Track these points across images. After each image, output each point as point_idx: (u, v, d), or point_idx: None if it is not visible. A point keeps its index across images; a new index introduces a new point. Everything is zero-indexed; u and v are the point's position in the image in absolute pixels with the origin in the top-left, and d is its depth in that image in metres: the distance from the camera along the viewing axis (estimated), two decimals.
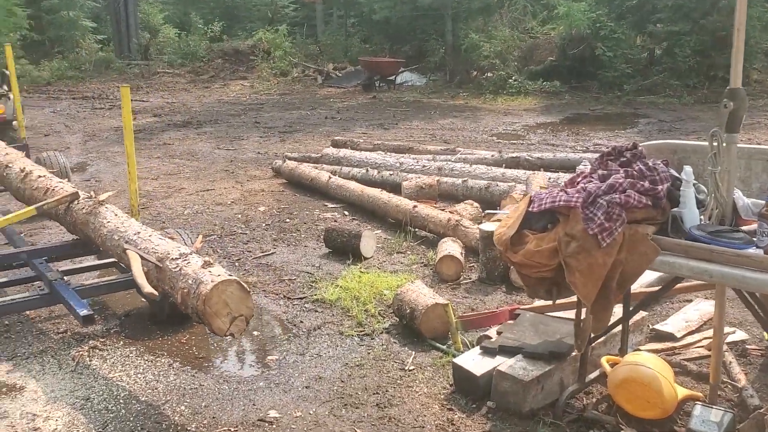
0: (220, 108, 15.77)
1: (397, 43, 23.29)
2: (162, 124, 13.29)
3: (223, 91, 19.48)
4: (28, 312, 4.46)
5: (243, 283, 3.22)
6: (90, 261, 5.04)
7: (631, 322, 3.61)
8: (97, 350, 4.07)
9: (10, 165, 5.17)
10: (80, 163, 9.66)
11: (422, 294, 4.21)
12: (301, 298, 4.80)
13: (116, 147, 10.78)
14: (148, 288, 3.27)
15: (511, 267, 4.26)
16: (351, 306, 4.57)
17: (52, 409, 3.42)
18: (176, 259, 3.45)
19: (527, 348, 3.44)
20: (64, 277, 4.19)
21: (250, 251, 5.81)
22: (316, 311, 4.58)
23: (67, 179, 6.82)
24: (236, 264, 5.50)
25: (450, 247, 5.20)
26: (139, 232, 3.82)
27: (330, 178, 7.42)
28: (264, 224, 6.58)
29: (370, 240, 5.63)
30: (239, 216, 6.86)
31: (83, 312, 3.67)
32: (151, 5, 29.35)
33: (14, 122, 8.93)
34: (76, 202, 4.27)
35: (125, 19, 26.00)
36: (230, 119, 13.90)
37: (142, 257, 3.47)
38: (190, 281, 3.25)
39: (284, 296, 4.85)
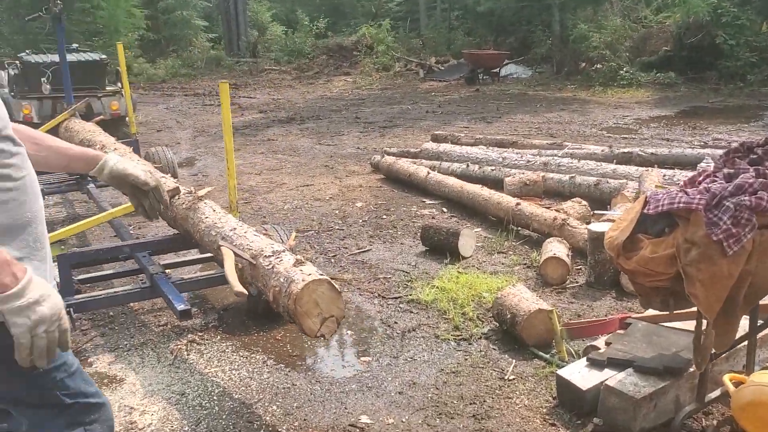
0: (323, 104, 15.95)
1: (501, 35, 22.83)
2: (267, 120, 13.56)
3: (327, 87, 19.73)
4: (132, 304, 4.57)
5: (334, 283, 3.12)
6: (193, 255, 5.11)
7: (758, 336, 3.25)
8: (195, 344, 4.11)
9: None
10: (189, 158, 9.98)
11: (524, 298, 3.98)
12: (396, 298, 4.67)
13: (223, 143, 11.06)
14: (238, 287, 3.22)
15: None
16: (448, 308, 4.40)
17: (149, 403, 3.45)
18: (269, 256, 3.40)
19: (639, 361, 3.16)
20: (165, 271, 4.25)
21: (346, 248, 5.75)
22: (411, 312, 4.44)
23: (171, 174, 7.02)
24: (332, 260, 5.45)
25: (555, 248, 4.92)
26: (235, 228, 3.80)
27: (428, 173, 7.26)
28: (361, 220, 6.51)
29: (469, 239, 5.43)
30: (337, 211, 6.82)
31: (180, 307, 3.69)
32: (259, 3, 30.18)
33: (127, 118, 9.32)
34: (176, 197, 4.32)
35: (235, 18, 26.86)
36: (332, 115, 14.02)
37: (236, 254, 3.44)
38: (281, 279, 3.18)
39: (379, 295, 4.74)
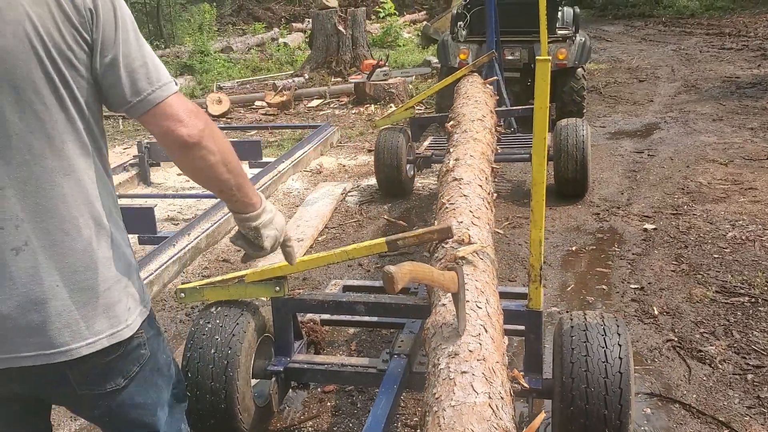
0: None
1: None
2: None
3: None
4: None
5: None
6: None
7: None
8: None
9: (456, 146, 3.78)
10: (649, 126, 7.77)
11: None
12: None
13: (707, 106, 8.43)
14: None
15: None
16: None
17: None
18: None
19: None
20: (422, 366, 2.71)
21: None
22: None
23: (578, 159, 5.18)
24: (742, 395, 3.01)
25: None
26: (456, 356, 1.98)
27: None
28: None
29: None
30: None
31: None
32: None
33: (579, 70, 7.62)
34: (446, 242, 2.65)
35: None
36: None
37: None
38: None
39: None
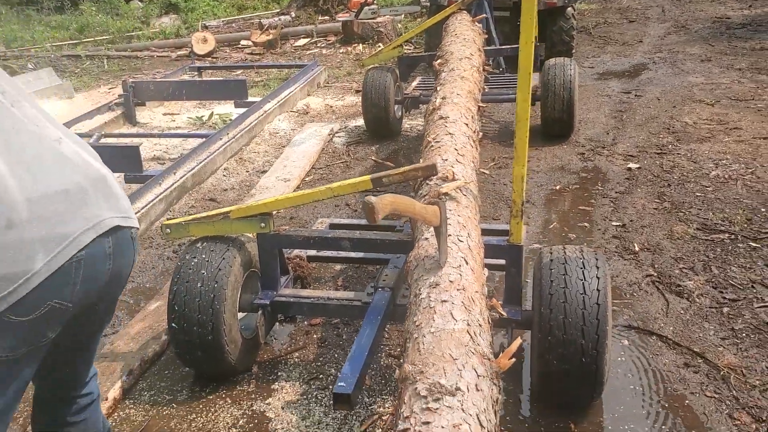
0: None
1: None
2: None
3: None
4: None
5: None
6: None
7: None
8: None
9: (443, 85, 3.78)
10: (637, 66, 7.73)
11: None
12: None
13: (697, 46, 8.38)
14: None
15: None
16: None
17: None
18: None
19: None
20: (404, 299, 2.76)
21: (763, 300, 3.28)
22: None
23: (565, 101, 5.17)
24: (725, 320, 3.10)
25: None
26: (437, 287, 2.03)
27: None
28: None
29: None
30: None
31: (340, 385, 2.20)
32: None
33: (568, 9, 7.53)
34: (430, 180, 2.67)
35: None
36: None
37: None
38: None
39: None
